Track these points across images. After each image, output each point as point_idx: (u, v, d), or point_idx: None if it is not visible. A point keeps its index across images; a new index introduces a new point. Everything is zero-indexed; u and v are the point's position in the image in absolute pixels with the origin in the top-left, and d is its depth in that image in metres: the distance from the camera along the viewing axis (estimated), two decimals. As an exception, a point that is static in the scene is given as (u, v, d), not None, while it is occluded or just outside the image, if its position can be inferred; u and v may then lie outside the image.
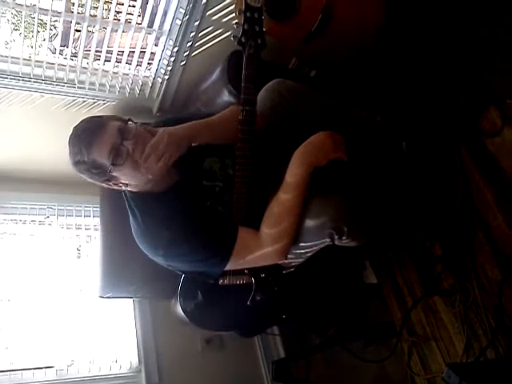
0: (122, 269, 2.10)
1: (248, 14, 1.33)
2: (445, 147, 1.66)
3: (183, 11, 2.02)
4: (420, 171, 1.71)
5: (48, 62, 2.15)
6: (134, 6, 2.09)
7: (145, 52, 2.28)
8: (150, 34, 2.18)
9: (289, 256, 1.50)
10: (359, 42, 1.87)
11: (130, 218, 1.49)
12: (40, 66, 2.12)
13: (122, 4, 2.07)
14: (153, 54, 2.27)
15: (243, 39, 1.35)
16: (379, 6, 1.75)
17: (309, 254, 1.50)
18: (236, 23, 1.38)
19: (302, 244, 1.44)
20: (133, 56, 2.26)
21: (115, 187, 1.42)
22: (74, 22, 2.02)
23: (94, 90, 2.25)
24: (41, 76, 2.14)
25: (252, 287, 1.57)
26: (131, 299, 2.41)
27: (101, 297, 2.08)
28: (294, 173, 1.39)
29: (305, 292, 1.73)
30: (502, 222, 1.49)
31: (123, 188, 1.42)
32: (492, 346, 1.47)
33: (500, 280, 1.47)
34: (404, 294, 1.82)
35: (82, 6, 2.01)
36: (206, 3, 2.02)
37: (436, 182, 1.69)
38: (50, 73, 2.16)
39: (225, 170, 1.55)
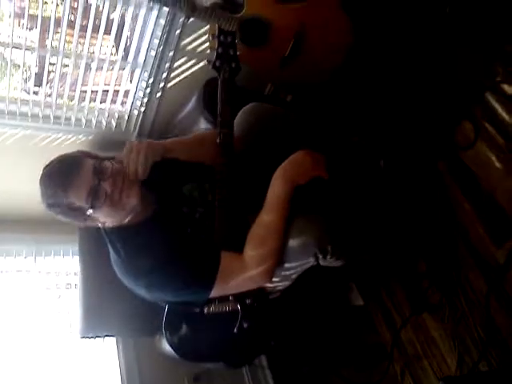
0: (103, 307, 2.03)
1: (222, 38, 1.36)
2: (422, 163, 1.67)
3: (157, 42, 2.04)
4: (399, 188, 1.73)
5: (23, 99, 2.14)
6: (106, 47, 2.11)
7: (120, 86, 2.28)
8: (123, 69, 2.19)
9: (274, 279, 1.48)
10: (330, 63, 1.91)
11: (111, 251, 1.46)
12: (15, 103, 2.11)
13: (96, 38, 2.09)
14: (127, 91, 2.28)
15: (218, 63, 1.37)
16: (347, 27, 1.79)
17: (294, 276, 1.48)
18: (210, 47, 1.40)
19: (286, 265, 1.42)
20: (108, 92, 2.26)
21: (93, 225, 1.39)
22: (48, 56, 2.02)
23: (70, 125, 2.24)
24: (15, 112, 2.12)
25: (238, 314, 1.53)
26: (114, 338, 2.34)
27: (82, 337, 2.01)
28: (275, 191, 1.38)
29: (292, 317, 1.70)
30: (482, 232, 1.50)
31: (101, 225, 1.40)
32: (484, 359, 1.44)
33: (486, 291, 1.46)
34: (392, 314, 1.80)
35: (55, 47, 2.03)
36: (179, 34, 2.05)
37: (415, 198, 1.70)
38: (24, 109, 2.14)
39: (204, 195, 1.54)
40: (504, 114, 1.46)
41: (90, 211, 1.29)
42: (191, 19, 1.94)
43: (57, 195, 1.29)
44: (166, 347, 1.99)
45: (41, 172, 1.35)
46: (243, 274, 1.39)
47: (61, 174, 1.30)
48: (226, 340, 1.57)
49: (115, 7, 1.96)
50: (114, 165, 1.33)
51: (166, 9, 1.91)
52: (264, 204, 1.39)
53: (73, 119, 2.23)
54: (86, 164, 1.31)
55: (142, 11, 2.02)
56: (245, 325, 1.53)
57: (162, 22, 2.00)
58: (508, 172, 1.44)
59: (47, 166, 1.36)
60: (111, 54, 2.17)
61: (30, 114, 2.15)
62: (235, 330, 1.53)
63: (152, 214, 1.43)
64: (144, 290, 1.42)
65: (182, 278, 1.38)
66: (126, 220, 1.38)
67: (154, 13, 2.00)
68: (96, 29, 2.00)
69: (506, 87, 1.47)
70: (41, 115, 2.17)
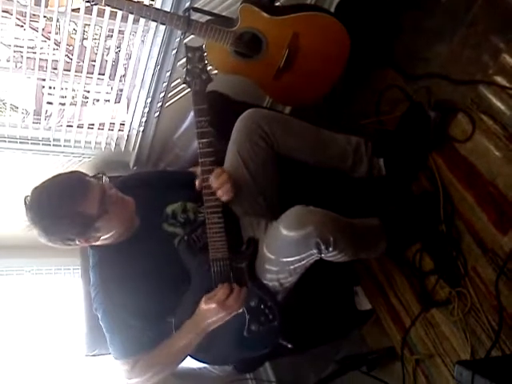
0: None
1: (189, 55, 1.46)
2: (420, 157, 1.70)
3: (154, 62, 2.08)
4: (400, 185, 1.74)
5: (22, 123, 2.16)
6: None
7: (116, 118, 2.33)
8: (119, 102, 2.23)
9: (280, 276, 1.48)
10: (327, 74, 1.96)
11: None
12: (14, 126, 2.13)
13: (94, 60, 2.14)
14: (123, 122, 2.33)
15: (188, 78, 1.46)
16: (343, 36, 1.84)
17: (298, 270, 1.46)
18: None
19: (289, 259, 1.42)
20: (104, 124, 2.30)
21: (85, 244, 1.47)
22: (47, 79, 2.05)
23: (70, 146, 2.26)
24: (15, 136, 2.14)
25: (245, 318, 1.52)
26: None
27: (87, 355, 1.98)
28: (184, 339, 1.49)
29: (302, 319, 1.69)
30: (487, 221, 1.50)
31: (93, 243, 1.48)
32: (497, 347, 1.43)
33: (495, 279, 1.46)
34: (400, 315, 1.78)
35: (55, 68, 2.07)
36: (176, 53, 2.10)
37: (417, 193, 1.72)
38: (24, 132, 2.17)
39: (186, 213, 1.61)
40: (499, 104, 1.50)
41: (98, 222, 1.38)
42: (188, 37, 2.01)
43: (68, 204, 1.37)
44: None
45: (34, 192, 1.43)
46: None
47: (72, 185, 1.41)
48: (239, 344, 1.54)
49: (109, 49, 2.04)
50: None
51: (162, 27, 1.97)
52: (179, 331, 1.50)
53: (72, 141, 2.25)
54: (89, 178, 1.45)
55: (139, 34, 2.07)
56: (253, 327, 1.52)
57: (159, 41, 2.04)
58: (508, 159, 1.46)
59: (46, 185, 1.44)
60: (107, 84, 2.22)
61: (29, 137, 2.17)
62: (245, 334, 1.52)
63: (134, 232, 1.54)
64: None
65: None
66: (121, 238, 1.51)
67: (151, 33, 2.05)
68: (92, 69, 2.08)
69: (498, 79, 1.51)
70: (40, 137, 2.19)
